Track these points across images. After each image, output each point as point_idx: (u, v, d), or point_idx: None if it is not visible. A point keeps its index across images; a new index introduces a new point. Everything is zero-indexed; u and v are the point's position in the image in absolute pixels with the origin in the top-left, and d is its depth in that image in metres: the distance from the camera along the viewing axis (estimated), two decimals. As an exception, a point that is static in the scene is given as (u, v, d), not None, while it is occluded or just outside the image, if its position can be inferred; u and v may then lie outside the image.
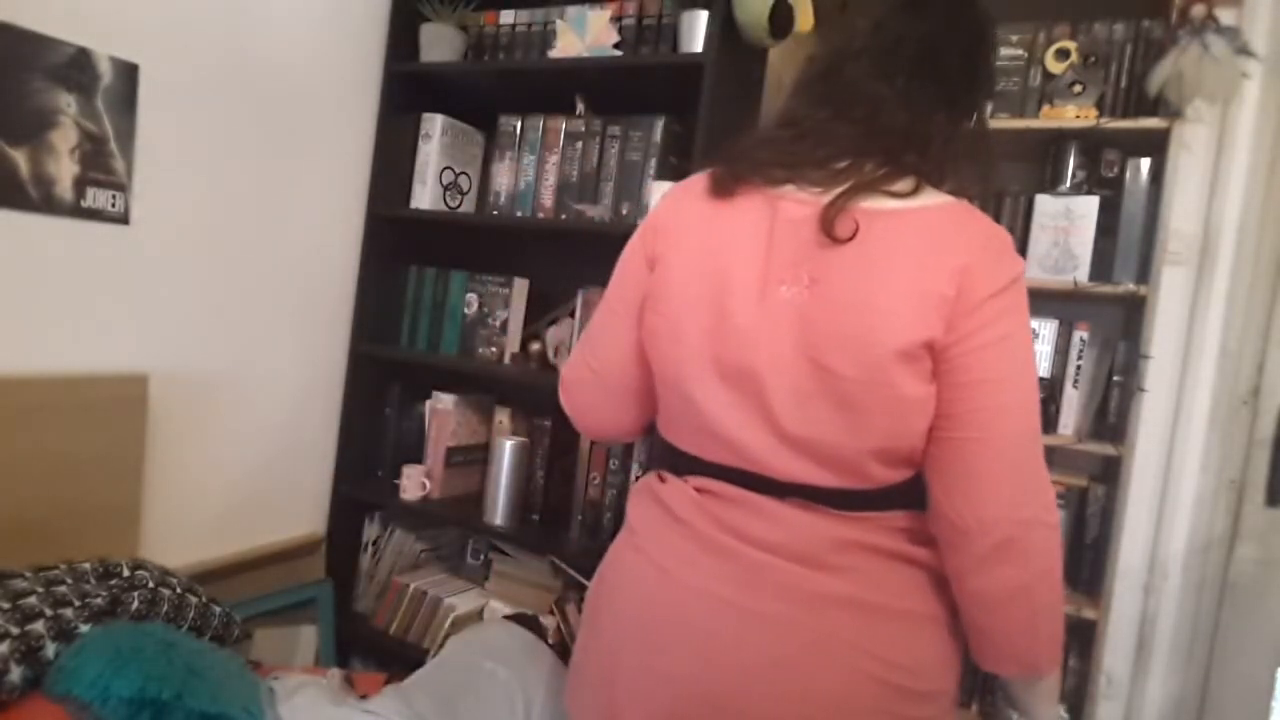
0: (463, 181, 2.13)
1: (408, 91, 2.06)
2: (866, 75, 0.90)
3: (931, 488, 0.87)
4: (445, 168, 2.07)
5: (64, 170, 1.45)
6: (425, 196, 2.05)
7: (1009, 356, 0.83)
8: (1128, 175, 1.66)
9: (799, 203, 0.88)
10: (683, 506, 0.94)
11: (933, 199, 0.87)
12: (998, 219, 1.76)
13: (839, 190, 0.86)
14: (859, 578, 0.87)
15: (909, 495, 0.89)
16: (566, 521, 1.95)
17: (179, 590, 1.36)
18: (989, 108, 1.01)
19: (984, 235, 0.85)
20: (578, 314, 1.94)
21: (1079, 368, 1.71)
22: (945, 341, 0.81)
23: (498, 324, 2.01)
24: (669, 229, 0.96)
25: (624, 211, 1.84)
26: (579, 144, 1.90)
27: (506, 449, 1.90)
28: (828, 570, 0.86)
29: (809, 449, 0.86)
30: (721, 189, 0.93)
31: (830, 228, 0.84)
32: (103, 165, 1.50)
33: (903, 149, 0.87)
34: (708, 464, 0.93)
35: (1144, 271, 1.64)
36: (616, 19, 1.83)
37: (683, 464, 0.97)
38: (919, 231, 0.84)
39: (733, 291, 0.88)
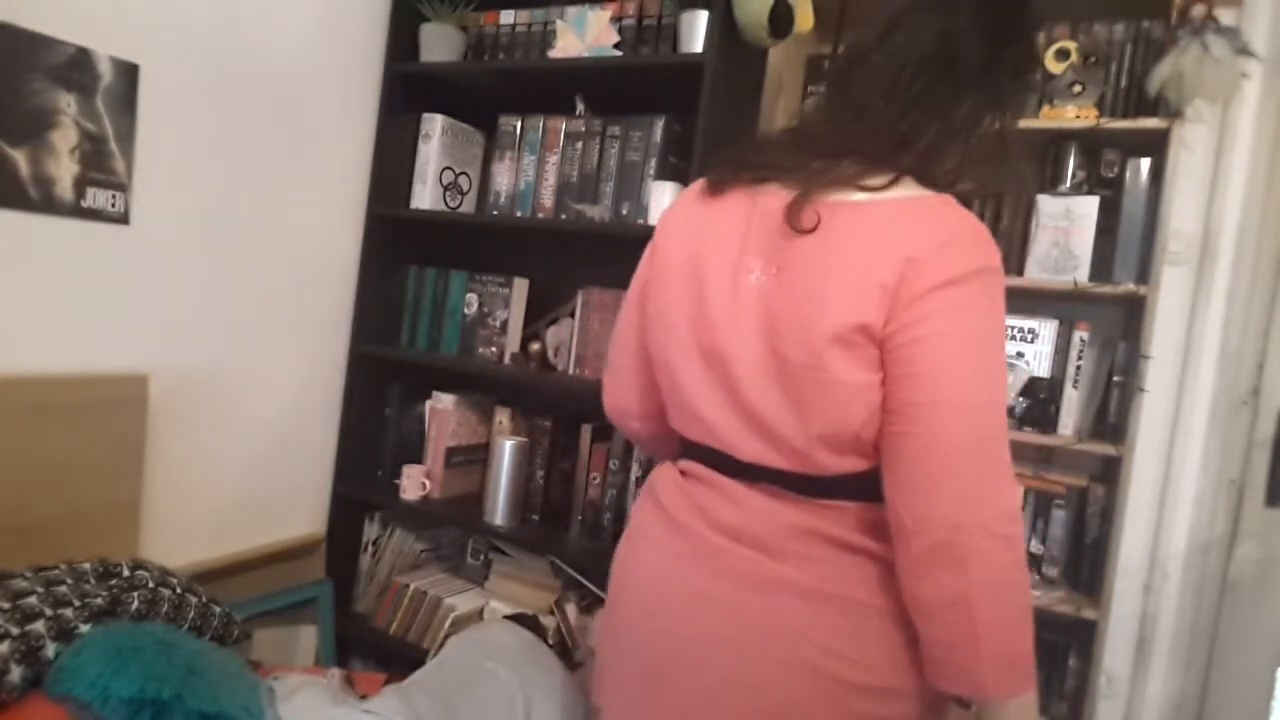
0: (463, 181, 2.13)
1: (408, 91, 2.06)
2: (865, 79, 0.92)
3: (883, 483, 0.86)
4: (445, 168, 2.07)
5: (64, 170, 1.44)
6: (425, 196, 2.05)
7: (952, 352, 0.81)
8: (1128, 175, 1.66)
9: (775, 197, 0.91)
10: (666, 490, 1.01)
11: (906, 192, 0.87)
12: (998, 219, 1.76)
13: (808, 184, 0.89)
14: (809, 565, 0.88)
15: (868, 487, 0.88)
16: (566, 521, 1.95)
17: (179, 590, 1.36)
18: (1020, 104, 0.97)
19: (944, 229, 0.84)
20: (578, 314, 1.94)
21: (1079, 368, 1.70)
22: (884, 332, 0.82)
23: (498, 324, 2.01)
24: (667, 226, 1.02)
25: (624, 211, 1.84)
26: (579, 144, 1.90)
27: (506, 449, 1.90)
28: (780, 557, 0.88)
29: (765, 431, 0.89)
30: (714, 189, 0.98)
31: (793, 219, 0.87)
32: (103, 165, 1.50)
33: (885, 148, 0.88)
34: (692, 445, 0.99)
35: (1144, 271, 1.64)
36: (616, 19, 1.83)
37: (679, 448, 1.04)
38: (877, 223, 0.85)
39: (710, 280, 0.93)
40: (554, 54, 1.87)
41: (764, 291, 0.89)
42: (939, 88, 0.89)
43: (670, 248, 0.99)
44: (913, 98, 0.89)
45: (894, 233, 0.84)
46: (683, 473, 1.00)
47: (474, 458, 2.12)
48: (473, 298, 2.04)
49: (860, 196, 0.87)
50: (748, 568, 0.89)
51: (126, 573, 1.32)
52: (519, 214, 1.97)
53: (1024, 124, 1.68)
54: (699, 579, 0.92)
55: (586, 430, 1.94)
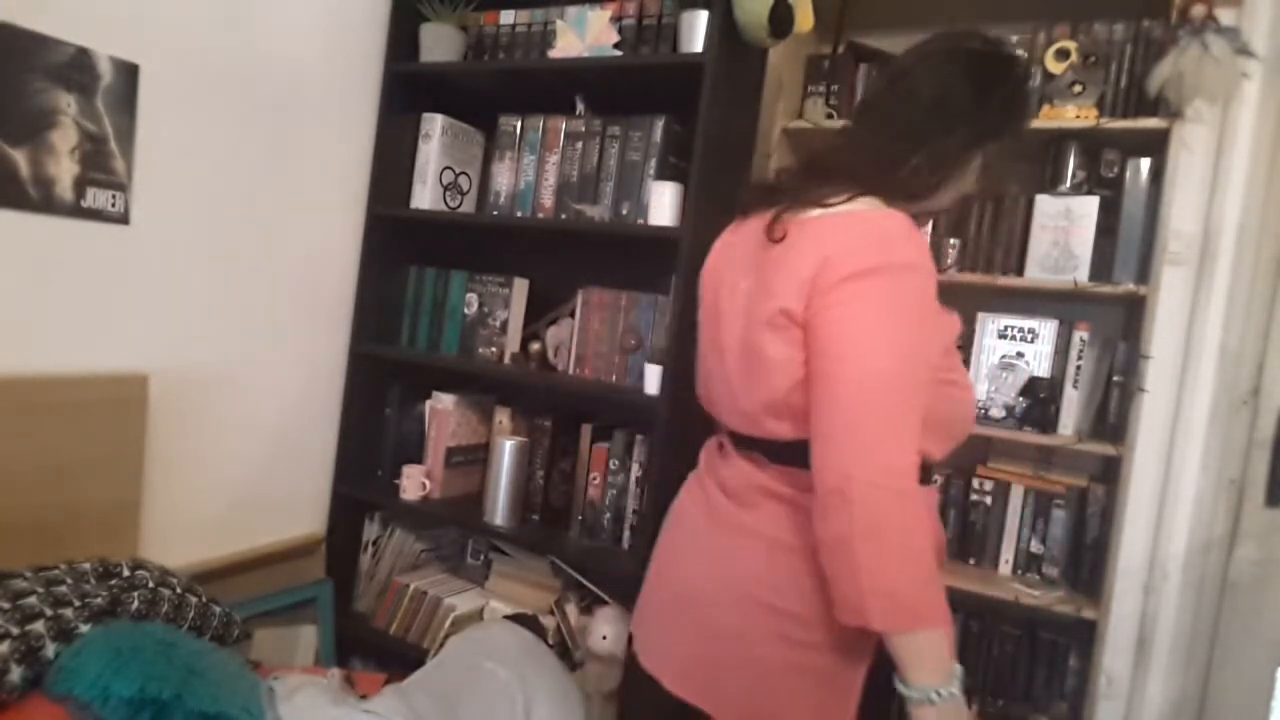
0: (463, 181, 2.13)
1: (408, 91, 2.06)
2: (870, 119, 1.12)
3: None
4: (445, 168, 2.07)
5: (64, 170, 1.45)
6: (425, 196, 2.05)
7: (852, 332, 0.95)
8: (1128, 175, 1.66)
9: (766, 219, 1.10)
10: (703, 461, 1.26)
11: (856, 207, 1.03)
12: (997, 219, 1.76)
13: (785, 204, 1.07)
14: (756, 513, 1.10)
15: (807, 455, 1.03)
16: (566, 521, 1.95)
17: (179, 590, 1.36)
18: (1006, 140, 1.11)
19: (860, 232, 1.00)
20: (578, 314, 1.94)
21: (1079, 368, 1.71)
22: (804, 316, 0.99)
23: (498, 324, 2.01)
24: (712, 249, 1.24)
25: (624, 211, 1.84)
26: (579, 144, 1.90)
27: (506, 449, 1.90)
28: (744, 505, 1.12)
29: (738, 404, 1.11)
30: (742, 216, 1.20)
31: (769, 233, 1.06)
32: (103, 165, 1.50)
33: (869, 171, 1.05)
34: (719, 421, 1.21)
35: (1144, 271, 1.64)
36: (616, 19, 1.83)
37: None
38: (820, 231, 1.02)
39: (722, 291, 1.16)
40: (554, 54, 1.87)
41: (749, 292, 1.08)
42: (931, 125, 1.05)
43: (709, 267, 1.22)
44: (904, 132, 1.06)
45: (825, 238, 1.00)
46: (717, 445, 1.23)
47: (474, 458, 2.12)
48: (473, 298, 2.04)
49: (818, 212, 1.04)
50: (723, 513, 1.14)
51: (126, 573, 1.32)
52: (519, 214, 1.97)
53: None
54: (696, 520, 1.19)
55: (586, 430, 1.94)
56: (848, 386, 0.94)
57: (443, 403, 2.06)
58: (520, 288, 2.03)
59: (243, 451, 1.87)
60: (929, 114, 1.06)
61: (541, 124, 1.95)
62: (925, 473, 1.07)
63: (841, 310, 0.96)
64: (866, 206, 1.03)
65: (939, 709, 0.91)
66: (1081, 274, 1.67)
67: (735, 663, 1.08)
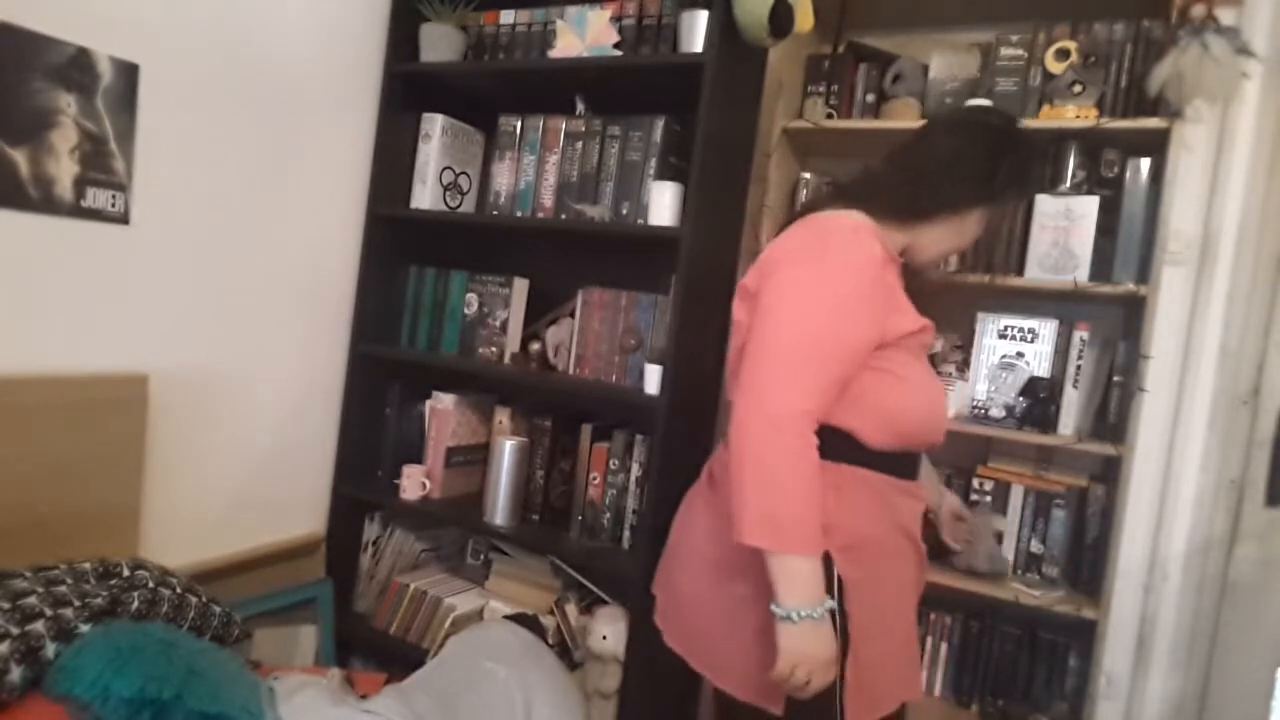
0: (463, 181, 2.13)
1: (408, 91, 2.06)
2: (889, 165, 1.30)
3: None
4: (445, 168, 2.07)
5: (64, 170, 1.45)
6: (425, 196, 2.05)
7: (770, 306, 1.15)
8: (1128, 175, 1.66)
9: None
10: None
11: (831, 214, 1.23)
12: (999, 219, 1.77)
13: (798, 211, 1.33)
14: (714, 468, 1.33)
15: None
16: (566, 521, 1.95)
17: (179, 590, 1.36)
18: (1009, 200, 1.31)
19: (808, 229, 1.21)
20: (578, 314, 1.94)
21: (1079, 368, 1.71)
22: (755, 291, 1.20)
23: (498, 324, 2.01)
24: None
25: (624, 211, 1.84)
26: (579, 144, 1.90)
27: (506, 449, 1.90)
28: (710, 476, 1.34)
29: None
30: None
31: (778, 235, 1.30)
32: (103, 165, 1.50)
33: (858, 194, 1.27)
34: None
35: (1144, 271, 1.64)
36: (616, 19, 1.83)
37: None
38: (792, 228, 1.25)
39: None
40: (554, 54, 1.87)
41: None
42: (940, 174, 1.23)
43: None
44: (913, 176, 1.24)
45: (788, 233, 1.23)
46: None
47: (474, 458, 2.12)
48: (473, 298, 2.04)
49: (811, 216, 1.25)
50: (700, 487, 1.36)
51: (126, 573, 1.32)
52: (519, 214, 1.97)
53: (1024, 124, 1.68)
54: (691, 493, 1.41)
55: (586, 430, 1.94)
56: (757, 345, 1.12)
57: (443, 403, 2.06)
58: (520, 288, 2.03)
59: (243, 451, 1.87)
60: (941, 166, 1.23)
61: (541, 124, 1.95)
62: (861, 452, 1.18)
63: (771, 286, 1.16)
64: (836, 213, 1.22)
65: (797, 627, 1.04)
66: (1081, 274, 1.67)
67: (688, 610, 1.27)
